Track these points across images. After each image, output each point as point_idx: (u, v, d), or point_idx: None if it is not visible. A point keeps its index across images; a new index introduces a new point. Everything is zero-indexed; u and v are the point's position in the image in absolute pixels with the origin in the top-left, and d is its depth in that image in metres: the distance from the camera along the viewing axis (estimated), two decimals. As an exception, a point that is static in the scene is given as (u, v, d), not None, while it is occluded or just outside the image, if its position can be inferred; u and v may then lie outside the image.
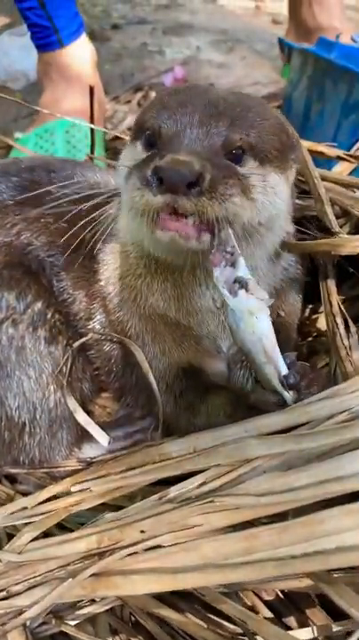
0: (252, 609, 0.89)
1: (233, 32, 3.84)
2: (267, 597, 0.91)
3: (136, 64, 3.39)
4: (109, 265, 1.17)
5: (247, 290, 0.82)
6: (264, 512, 0.69)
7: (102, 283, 1.18)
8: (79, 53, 2.30)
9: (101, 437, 1.19)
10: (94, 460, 1.14)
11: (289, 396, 0.83)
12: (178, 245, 0.87)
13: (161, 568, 0.72)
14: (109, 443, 1.19)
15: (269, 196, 0.95)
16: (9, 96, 2.18)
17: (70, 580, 0.76)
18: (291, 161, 1.05)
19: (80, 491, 0.87)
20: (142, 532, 0.74)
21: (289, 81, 2.35)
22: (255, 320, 0.81)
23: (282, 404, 0.84)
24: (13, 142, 2.13)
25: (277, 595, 0.91)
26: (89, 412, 1.35)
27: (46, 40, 2.25)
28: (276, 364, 0.83)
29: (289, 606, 0.90)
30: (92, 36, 3.50)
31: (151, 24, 4.04)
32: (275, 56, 3.16)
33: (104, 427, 1.24)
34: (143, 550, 0.74)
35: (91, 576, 0.76)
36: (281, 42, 2.52)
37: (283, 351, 0.86)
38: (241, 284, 0.83)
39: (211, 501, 0.71)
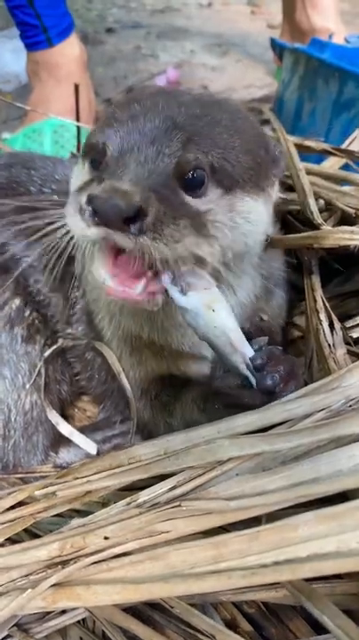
0: (232, 622, 0.84)
1: (228, 36, 3.82)
2: (248, 610, 0.86)
3: (129, 67, 3.37)
4: (88, 284, 1.12)
5: (191, 287, 0.75)
6: (234, 517, 0.64)
7: (87, 298, 1.13)
8: (68, 53, 2.27)
9: (88, 446, 1.14)
10: (72, 466, 1.10)
11: (254, 379, 0.78)
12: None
13: (125, 578, 0.67)
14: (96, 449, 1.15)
15: (241, 227, 0.84)
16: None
17: (30, 590, 0.71)
18: (271, 177, 0.92)
19: (46, 496, 0.82)
20: (106, 538, 0.69)
21: (281, 81, 2.33)
22: (213, 314, 0.75)
23: (246, 386, 0.79)
24: (0, 143, 2.11)
25: (259, 607, 0.86)
26: (68, 416, 1.32)
27: (35, 39, 2.22)
28: (243, 353, 0.78)
29: (270, 619, 0.85)
30: (86, 40, 3.50)
31: (146, 28, 4.03)
32: (270, 59, 3.14)
33: (83, 430, 1.20)
34: (107, 558, 0.69)
35: (52, 586, 0.71)
36: (273, 42, 2.50)
37: None
38: (184, 281, 0.75)
39: (178, 506, 0.66)
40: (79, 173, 0.90)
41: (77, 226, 0.73)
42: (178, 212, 0.73)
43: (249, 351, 0.79)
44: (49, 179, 1.23)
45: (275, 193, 0.96)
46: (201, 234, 0.76)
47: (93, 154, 0.83)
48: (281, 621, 0.83)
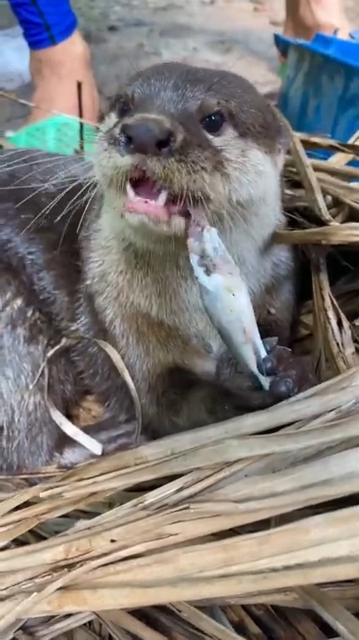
0: (240, 624, 0.83)
1: (230, 33, 3.80)
2: (256, 612, 0.85)
3: (132, 65, 3.34)
4: (94, 262, 1.11)
5: (216, 269, 0.77)
6: (243, 520, 0.62)
7: (88, 282, 1.12)
8: (71, 51, 2.26)
9: (93, 446, 1.13)
10: (77, 466, 1.09)
11: (265, 379, 0.77)
12: (148, 230, 0.81)
13: (132, 581, 0.65)
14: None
15: (249, 174, 0.88)
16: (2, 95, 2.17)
17: (35, 594, 0.70)
18: (278, 144, 0.99)
19: (51, 497, 0.81)
20: (113, 541, 0.67)
21: (285, 78, 2.31)
22: (232, 298, 0.76)
23: (257, 388, 0.78)
24: (3, 141, 2.10)
25: (267, 609, 0.85)
26: (73, 416, 1.31)
27: (38, 37, 2.21)
28: (255, 345, 0.77)
29: (279, 621, 0.84)
30: (89, 38, 3.49)
31: (148, 26, 4.01)
32: (273, 56, 3.12)
33: (87, 430, 1.19)
34: (114, 562, 0.68)
35: (58, 590, 0.70)
36: (277, 38, 2.48)
37: None
38: (211, 262, 0.77)
39: (186, 508, 0.65)
40: (105, 124, 0.97)
41: (109, 158, 0.77)
42: (201, 142, 0.80)
43: (261, 348, 0.78)
44: (50, 174, 1.22)
45: (281, 163, 1.02)
46: (217, 170, 0.81)
47: (121, 104, 0.91)
48: (290, 624, 0.82)
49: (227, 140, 0.87)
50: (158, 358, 1.05)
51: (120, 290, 1.06)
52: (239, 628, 0.82)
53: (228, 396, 0.84)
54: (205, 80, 0.87)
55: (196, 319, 1.03)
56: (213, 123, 0.86)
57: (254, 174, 0.88)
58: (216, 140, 0.86)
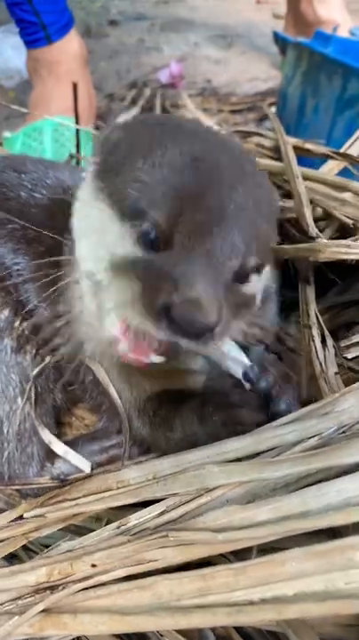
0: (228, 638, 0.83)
1: (233, 27, 3.76)
2: (246, 629, 0.85)
3: (132, 60, 3.32)
4: (75, 317, 1.02)
5: None
6: (222, 549, 0.62)
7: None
8: (68, 49, 2.23)
9: (82, 464, 1.12)
10: (68, 478, 1.09)
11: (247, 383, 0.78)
12: None
13: (112, 607, 0.65)
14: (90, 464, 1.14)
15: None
16: (1, 95, 2.15)
17: (17, 617, 0.70)
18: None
19: (36, 517, 0.81)
20: (93, 565, 0.68)
21: (284, 76, 2.28)
22: None
23: (239, 386, 0.79)
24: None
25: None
26: (65, 424, 1.30)
27: (34, 36, 2.18)
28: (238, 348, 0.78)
29: (268, 638, 0.84)
30: (89, 33, 3.46)
31: (149, 20, 3.97)
32: (275, 51, 3.08)
33: (79, 440, 1.19)
34: (94, 586, 0.68)
35: (39, 613, 0.70)
36: (276, 35, 2.45)
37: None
38: None
39: (165, 536, 0.65)
40: (118, 234, 0.79)
41: (144, 325, 0.70)
42: (238, 308, 0.74)
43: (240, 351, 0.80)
44: (39, 183, 1.20)
45: None
46: (251, 310, 0.79)
47: (146, 235, 0.75)
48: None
49: (253, 285, 0.80)
50: (144, 388, 1.03)
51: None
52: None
53: (211, 396, 0.84)
54: (243, 232, 0.74)
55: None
56: (244, 277, 0.77)
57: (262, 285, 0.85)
58: (246, 289, 0.78)
